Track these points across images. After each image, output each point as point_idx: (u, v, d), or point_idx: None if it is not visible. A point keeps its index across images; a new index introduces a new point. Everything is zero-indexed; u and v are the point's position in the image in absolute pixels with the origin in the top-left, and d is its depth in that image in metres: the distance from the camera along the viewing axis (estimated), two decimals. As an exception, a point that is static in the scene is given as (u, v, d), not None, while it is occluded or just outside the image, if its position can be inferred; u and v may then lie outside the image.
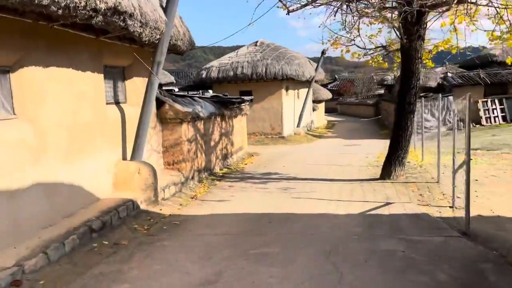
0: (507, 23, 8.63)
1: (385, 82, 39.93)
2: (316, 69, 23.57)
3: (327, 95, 35.50)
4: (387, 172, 9.59)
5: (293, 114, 23.22)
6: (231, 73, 20.30)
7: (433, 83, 21.64)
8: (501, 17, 8.58)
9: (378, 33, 10.78)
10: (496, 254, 4.90)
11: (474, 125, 20.58)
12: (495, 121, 20.34)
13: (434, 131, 21.68)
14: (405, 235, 5.70)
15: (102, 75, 7.28)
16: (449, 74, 22.09)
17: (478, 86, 20.61)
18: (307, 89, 25.09)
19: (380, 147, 18.06)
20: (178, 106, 9.43)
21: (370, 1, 8.27)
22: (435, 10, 8.69)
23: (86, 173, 6.65)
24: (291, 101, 22.74)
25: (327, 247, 5.24)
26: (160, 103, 9.46)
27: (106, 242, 5.78)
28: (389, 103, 29.60)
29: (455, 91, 20.86)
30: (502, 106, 20.33)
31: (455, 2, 7.71)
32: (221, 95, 13.98)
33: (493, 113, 20.51)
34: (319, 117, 33.61)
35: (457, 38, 8.80)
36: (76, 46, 6.49)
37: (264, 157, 15.80)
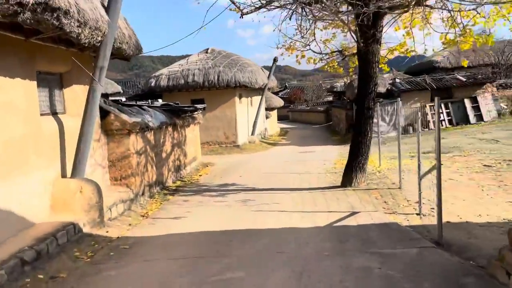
0: (460, 26, 8.65)
1: (335, 89, 40.69)
2: (268, 77, 23.31)
3: (279, 102, 35.50)
4: (348, 179, 9.30)
5: (247, 122, 22.78)
6: (182, 81, 19.56)
7: (382, 89, 22.02)
8: (454, 20, 8.58)
9: (333, 38, 10.58)
10: (475, 266, 4.61)
11: (423, 128, 21.12)
12: (442, 125, 20.98)
13: (385, 135, 22.09)
14: (377, 248, 5.32)
15: (35, 83, 6.39)
16: (397, 80, 22.61)
17: (425, 91, 21.20)
18: (260, 96, 24.79)
19: (335, 153, 18.00)
20: (125, 116, 8.64)
21: (326, 4, 7.96)
22: (392, 13, 8.55)
23: (16, 195, 5.74)
24: (244, 109, 22.30)
25: (298, 268, 4.73)
26: (104, 113, 8.63)
27: (41, 276, 4.94)
28: (340, 109, 29.98)
29: (403, 96, 21.32)
30: (448, 110, 21.03)
31: (412, 3, 7.57)
32: (172, 103, 13.24)
33: (440, 117, 21.17)
34: (272, 125, 33.47)
35: (414, 42, 8.71)
36: (2, 49, 5.62)
37: (219, 167, 15.17)
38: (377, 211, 7.09)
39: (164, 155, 11.33)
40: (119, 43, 7.24)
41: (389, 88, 22.18)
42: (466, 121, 20.68)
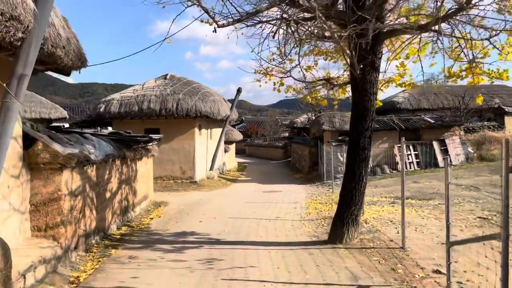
0: (466, 58, 7.49)
1: (295, 125, 39.86)
2: (231, 108, 21.73)
3: (239, 136, 33.96)
4: (338, 234, 7.63)
5: (205, 156, 20.88)
6: (136, 108, 17.50)
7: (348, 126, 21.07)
8: (461, 50, 7.41)
9: (315, 66, 9.14)
10: None
11: (391, 170, 20.18)
12: (410, 167, 20.18)
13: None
14: None
15: None
16: (365, 118, 21.80)
17: (393, 131, 20.44)
18: (220, 128, 23.09)
19: (303, 194, 16.44)
20: (57, 146, 6.56)
21: (322, 20, 6.50)
22: (394, 36, 7.25)
23: None
24: (204, 141, 20.45)
25: None
26: (30, 142, 6.53)
27: None
28: (302, 146, 28.82)
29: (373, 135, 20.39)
30: (416, 152, 20.31)
31: (416, 27, 6.27)
32: (122, 132, 11.21)
33: (408, 159, 20.40)
34: (231, 159, 31.71)
35: (422, 70, 7.41)
36: None
37: (174, 208, 13.09)
38: (390, 287, 5.39)
39: (108, 194, 9.20)
40: (52, 46, 5.29)
41: (356, 126, 21.19)
42: (435, 164, 19.97)
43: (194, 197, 15.78)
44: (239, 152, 51.75)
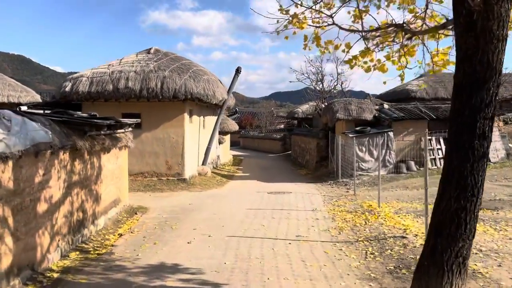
0: None
1: (296, 115, 36.53)
2: (228, 91, 18.31)
3: (234, 126, 30.55)
4: (432, 285, 4.30)
5: (197, 148, 17.49)
6: (110, 87, 14.02)
7: (368, 115, 17.84)
8: None
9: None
10: None
11: (418, 168, 16.98)
12: (439, 164, 17.06)
13: (372, 174, 17.79)
14: None
15: None
16: (385, 106, 18.53)
17: (421, 121, 17.24)
18: (214, 117, 19.69)
19: (318, 197, 13.15)
20: None
21: None
22: None
23: None
24: (195, 131, 17.05)
25: None
26: None
27: None
28: (307, 138, 25.54)
29: (395, 126, 17.18)
30: (447, 146, 17.18)
31: None
32: (73, 112, 7.80)
33: (438, 154, 17.26)
34: (225, 152, 28.35)
35: None
36: None
37: (155, 217, 9.75)
38: None
39: (43, 207, 5.82)
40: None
41: (376, 115, 17.96)
42: (470, 160, 16.80)
43: (182, 200, 12.42)
44: (233, 144, 48.30)
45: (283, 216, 9.84)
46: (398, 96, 26.85)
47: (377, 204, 10.89)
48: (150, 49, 16.48)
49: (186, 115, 15.20)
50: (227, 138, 29.52)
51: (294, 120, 39.79)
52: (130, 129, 10.29)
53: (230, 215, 10.08)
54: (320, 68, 23.49)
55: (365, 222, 8.86)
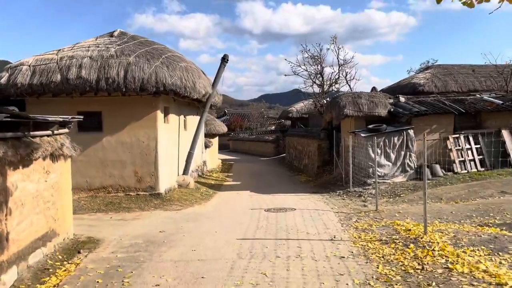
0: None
1: (290, 115, 33.46)
2: (213, 84, 15.15)
3: (222, 128, 27.41)
4: None
5: (177, 154, 14.33)
6: (58, 77, 10.79)
7: (382, 111, 14.85)
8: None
9: None
10: None
11: (445, 172, 13.98)
12: (470, 167, 14.15)
13: (389, 180, 14.71)
14: None
15: None
16: (402, 99, 15.54)
17: (445, 116, 14.31)
18: (198, 117, 16.52)
19: (331, 216, 10.07)
20: None
21: None
22: None
23: None
24: (173, 133, 13.88)
25: None
26: None
27: None
28: (303, 139, 22.51)
29: (415, 122, 14.21)
30: (478, 146, 14.27)
31: None
32: None
33: (468, 155, 14.34)
34: (213, 156, 25.19)
35: None
36: None
37: (104, 259, 6.57)
38: None
39: None
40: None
41: (391, 110, 14.97)
42: (506, 163, 13.88)
43: (153, 225, 9.25)
44: (222, 148, 45.12)
45: (292, 253, 6.72)
46: (403, 90, 23.92)
47: (421, 228, 7.83)
48: (114, 31, 13.27)
49: (159, 113, 12.02)
50: (215, 141, 26.38)
51: (287, 120, 36.81)
52: (61, 128, 7.07)
53: (214, 251, 6.93)
54: (319, 59, 20.45)
55: (420, 266, 5.77)
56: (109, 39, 12.67)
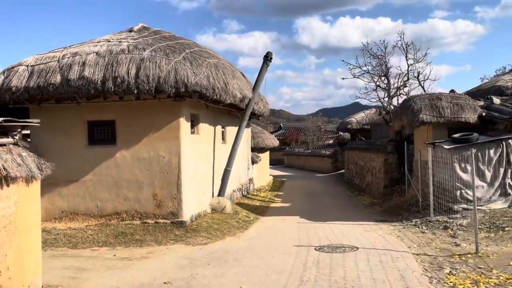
0: None
1: (349, 126, 30.13)
2: (254, 87, 12.62)
3: (273, 141, 24.81)
4: None
5: (211, 172, 11.91)
6: (57, 78, 8.78)
7: (470, 116, 11.56)
8: None
9: None
10: None
11: None
12: None
13: (484, 207, 11.15)
14: None
15: None
16: (496, 100, 12.11)
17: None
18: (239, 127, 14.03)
19: (412, 264, 7.00)
20: None
21: None
22: None
23: None
24: (205, 146, 11.51)
25: None
26: None
27: None
28: (366, 153, 19.29)
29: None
30: None
31: None
32: None
33: None
34: (262, 172, 22.62)
35: None
36: None
37: None
38: None
39: None
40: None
41: (483, 114, 11.59)
42: None
43: (159, 273, 6.77)
44: (275, 163, 42.73)
45: None
46: (486, 95, 20.01)
47: None
48: (135, 26, 11.21)
49: (182, 121, 9.65)
50: (265, 156, 23.86)
51: (346, 132, 33.51)
52: (8, 140, 4.79)
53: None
54: (384, 59, 17.31)
55: None
56: (127, 34, 10.62)
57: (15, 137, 4.71)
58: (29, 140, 9.81)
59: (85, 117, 9.79)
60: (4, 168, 4.74)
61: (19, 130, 4.75)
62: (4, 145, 4.66)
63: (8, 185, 5.04)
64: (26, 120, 4.88)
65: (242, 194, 16.27)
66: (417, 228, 9.99)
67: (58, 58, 9.03)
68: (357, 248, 8.02)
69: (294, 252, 7.88)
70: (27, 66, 9.08)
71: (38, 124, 5.09)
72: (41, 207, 9.97)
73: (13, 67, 9.18)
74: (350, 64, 18.34)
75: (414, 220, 10.74)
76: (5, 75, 9.11)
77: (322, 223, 11.09)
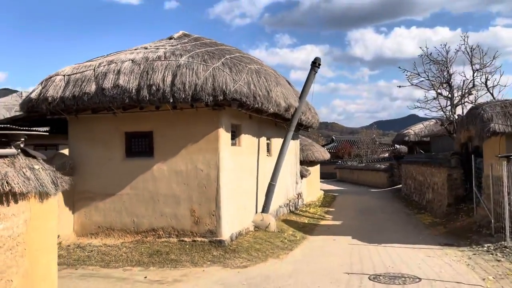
0: None
1: (406, 138, 28.29)
2: (301, 96, 11.73)
3: (324, 154, 23.60)
4: None
5: (254, 186, 11.13)
6: (92, 87, 8.42)
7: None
8: None
9: None
10: None
11: None
12: None
13: None
14: None
15: None
16: None
17: None
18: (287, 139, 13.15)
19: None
20: None
21: None
22: None
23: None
24: (248, 159, 10.75)
25: None
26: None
27: None
28: (426, 168, 17.68)
29: None
30: None
31: None
32: None
33: None
34: (312, 187, 21.51)
35: None
36: None
37: None
38: None
39: None
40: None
41: None
42: None
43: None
44: (327, 177, 41.27)
45: None
46: None
47: None
48: (175, 33, 10.76)
49: (222, 132, 8.96)
50: (315, 169, 22.72)
51: (403, 145, 31.59)
52: (10, 151, 4.25)
53: None
54: (445, 64, 15.76)
55: None
56: (166, 41, 10.18)
57: (18, 147, 4.16)
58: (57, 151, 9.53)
59: (123, 128, 9.37)
60: (7, 183, 4.21)
61: (22, 139, 4.21)
62: (6, 156, 4.13)
63: (16, 202, 4.52)
64: (30, 128, 4.36)
65: (290, 210, 15.32)
66: (491, 255, 8.55)
67: (94, 67, 8.71)
68: (420, 279, 6.83)
69: (344, 281, 6.85)
70: (64, 75, 8.83)
71: (47, 133, 4.55)
72: (77, 222, 9.67)
73: (50, 77, 8.97)
74: (407, 71, 16.94)
75: (486, 245, 9.27)
76: (42, 85, 8.92)
77: (378, 246, 9.88)
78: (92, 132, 9.44)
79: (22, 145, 4.23)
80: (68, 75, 8.81)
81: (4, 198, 4.38)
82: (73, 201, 9.52)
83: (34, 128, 4.51)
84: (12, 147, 4.20)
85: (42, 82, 9.01)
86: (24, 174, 4.51)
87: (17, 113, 10.27)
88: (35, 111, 8.94)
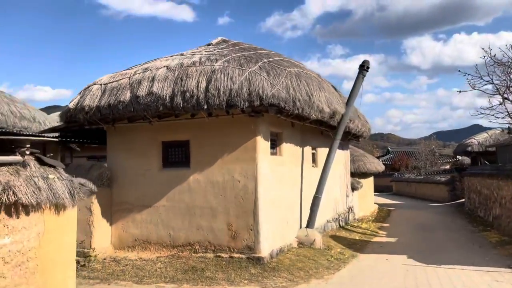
0: None
1: (469, 148, 26.22)
2: (348, 101, 10.92)
3: (377, 166, 22.32)
4: None
5: (298, 199, 10.43)
6: (127, 96, 8.21)
7: None
8: None
9: None
10: None
11: None
12: None
13: None
14: None
15: None
16: None
17: None
18: (338, 151, 12.34)
19: None
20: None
21: None
22: None
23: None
24: (291, 169, 10.09)
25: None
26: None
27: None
28: (487, 180, 16.05)
29: None
30: None
31: None
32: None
33: None
34: (365, 200, 20.31)
35: None
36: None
37: None
38: None
39: None
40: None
41: None
42: None
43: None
44: (382, 190, 39.41)
45: None
46: None
47: None
48: (214, 40, 10.40)
49: (260, 140, 8.38)
50: (368, 181, 21.50)
51: (465, 156, 29.35)
52: (15, 158, 3.94)
53: None
54: (511, 66, 14.20)
55: None
56: (204, 47, 9.85)
57: (23, 154, 3.84)
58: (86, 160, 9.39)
59: (160, 137, 9.09)
60: (13, 193, 3.89)
61: (28, 146, 3.88)
62: (10, 164, 3.82)
63: (27, 214, 4.21)
64: (34, 134, 4.04)
65: (339, 225, 14.37)
66: None
67: (130, 75, 8.52)
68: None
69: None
70: (101, 84, 8.72)
71: (56, 139, 4.20)
72: (115, 234, 9.43)
73: (88, 86, 8.91)
74: (468, 75, 15.49)
75: None
76: (80, 94, 8.86)
77: (437, 267, 8.78)
78: (129, 142, 9.24)
79: (27, 152, 3.91)
80: (105, 84, 8.69)
81: (13, 210, 4.08)
82: (110, 212, 9.32)
83: (42, 135, 4.21)
84: (18, 154, 3.89)
85: (80, 92, 8.95)
86: (35, 184, 4.19)
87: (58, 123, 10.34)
88: (74, 121, 8.89)
